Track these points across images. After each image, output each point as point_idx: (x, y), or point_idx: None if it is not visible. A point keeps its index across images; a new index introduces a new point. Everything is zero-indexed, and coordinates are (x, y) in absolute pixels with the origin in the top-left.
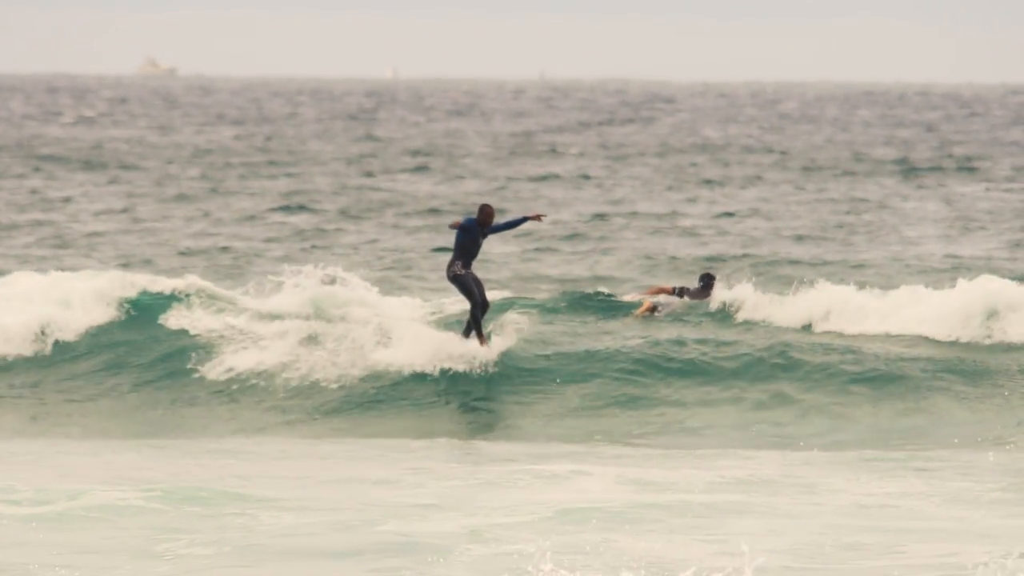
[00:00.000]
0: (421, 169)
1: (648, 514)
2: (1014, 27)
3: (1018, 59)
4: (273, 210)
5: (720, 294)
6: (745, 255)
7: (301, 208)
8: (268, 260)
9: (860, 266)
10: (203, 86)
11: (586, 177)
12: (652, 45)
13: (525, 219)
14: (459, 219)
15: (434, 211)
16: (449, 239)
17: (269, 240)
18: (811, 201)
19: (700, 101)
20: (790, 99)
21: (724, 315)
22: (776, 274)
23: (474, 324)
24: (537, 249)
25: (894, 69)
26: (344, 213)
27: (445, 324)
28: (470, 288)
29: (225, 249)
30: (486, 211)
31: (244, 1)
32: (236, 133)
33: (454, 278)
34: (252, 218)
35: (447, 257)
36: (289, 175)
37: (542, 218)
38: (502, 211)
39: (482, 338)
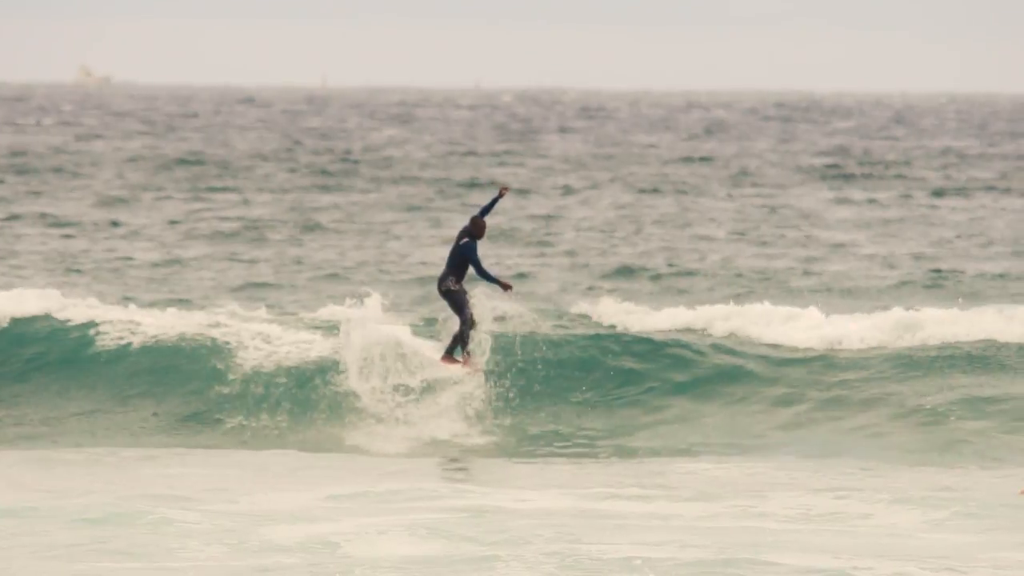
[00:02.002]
0: (351, 174)
1: (558, 521)
2: (950, 38)
3: (956, 69)
4: (205, 217)
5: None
6: (671, 264)
7: (231, 219)
8: (192, 269)
9: (784, 271)
10: (134, 94)
11: (521, 185)
12: (588, 54)
13: (495, 200)
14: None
15: (365, 225)
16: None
17: (202, 247)
18: (740, 208)
19: (635, 109)
20: (724, 107)
21: (660, 329)
22: (708, 280)
23: (460, 341)
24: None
25: (831, 78)
26: (278, 222)
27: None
28: (462, 305)
29: (152, 260)
30: (478, 224)
31: (175, 11)
32: (166, 139)
33: (447, 293)
34: (177, 223)
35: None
36: (220, 179)
37: (505, 191)
38: (434, 217)
39: (467, 356)
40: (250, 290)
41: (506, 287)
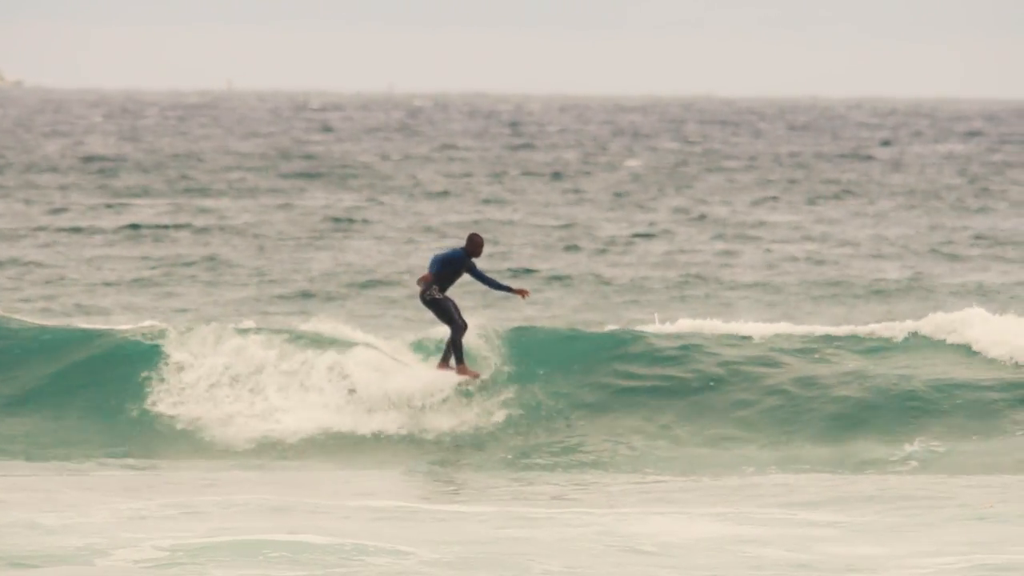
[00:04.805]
0: (257, 170)
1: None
2: (869, 41)
3: (874, 72)
4: (95, 218)
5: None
6: (576, 274)
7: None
8: (46, 273)
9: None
10: (46, 98)
11: (430, 192)
12: (506, 58)
13: (511, 290)
14: (428, 275)
15: (257, 236)
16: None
17: (92, 251)
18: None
19: (549, 113)
20: (641, 112)
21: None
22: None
23: (455, 350)
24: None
25: (753, 83)
26: (178, 223)
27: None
28: (448, 311)
29: (35, 262)
30: (475, 240)
31: (84, 15)
32: (70, 144)
33: (431, 302)
34: (78, 230)
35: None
36: (124, 180)
37: (526, 295)
38: (345, 218)
39: (462, 364)
40: (145, 291)
41: (522, 293)
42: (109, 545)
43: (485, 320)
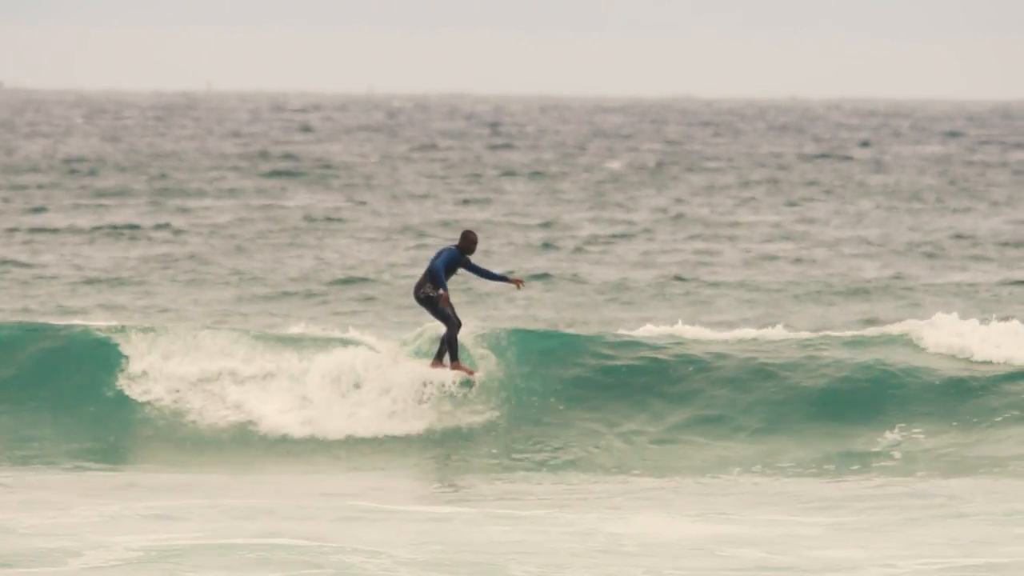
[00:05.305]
0: (237, 170)
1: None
2: (849, 44)
3: (853, 73)
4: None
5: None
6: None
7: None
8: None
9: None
10: (27, 99)
11: (411, 193)
12: (488, 59)
13: (506, 280)
14: (446, 293)
15: (236, 236)
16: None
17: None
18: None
19: (529, 115)
20: (621, 113)
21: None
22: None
23: (449, 347)
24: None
25: (736, 84)
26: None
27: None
28: (443, 308)
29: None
30: (469, 238)
31: (64, 17)
32: (47, 146)
33: (426, 299)
34: (50, 231)
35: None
36: (103, 181)
37: (520, 285)
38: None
39: (456, 361)
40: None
41: (517, 284)
42: (82, 546)
43: (471, 318)
